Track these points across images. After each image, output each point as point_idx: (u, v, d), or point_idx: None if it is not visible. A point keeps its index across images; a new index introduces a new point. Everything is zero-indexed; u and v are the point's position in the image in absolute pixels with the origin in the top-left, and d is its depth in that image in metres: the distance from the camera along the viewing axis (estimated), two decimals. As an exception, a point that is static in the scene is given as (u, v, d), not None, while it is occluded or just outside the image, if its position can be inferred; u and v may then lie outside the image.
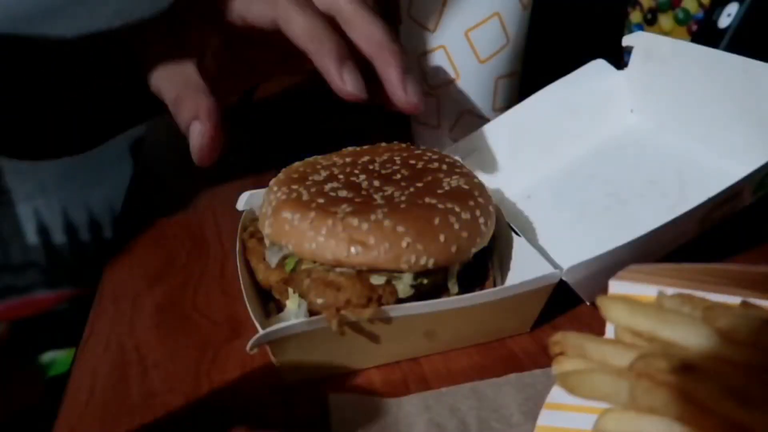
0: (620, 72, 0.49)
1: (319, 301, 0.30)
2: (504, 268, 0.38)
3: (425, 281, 0.32)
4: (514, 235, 0.37)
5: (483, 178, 0.46)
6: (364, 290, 0.30)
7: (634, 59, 0.49)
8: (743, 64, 0.40)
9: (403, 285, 0.31)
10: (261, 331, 0.29)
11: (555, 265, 0.34)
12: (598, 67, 0.50)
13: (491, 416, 0.29)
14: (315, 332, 0.30)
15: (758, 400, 0.18)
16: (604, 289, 0.34)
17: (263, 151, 0.64)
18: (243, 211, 0.40)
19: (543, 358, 0.33)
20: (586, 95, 0.49)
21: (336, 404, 0.30)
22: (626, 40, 0.49)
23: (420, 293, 0.32)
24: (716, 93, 0.42)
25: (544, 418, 0.26)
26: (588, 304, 0.36)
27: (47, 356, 0.67)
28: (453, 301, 0.31)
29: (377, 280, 0.30)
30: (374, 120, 0.76)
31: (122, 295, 0.41)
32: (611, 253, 0.32)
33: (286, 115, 0.77)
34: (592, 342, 0.22)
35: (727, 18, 0.50)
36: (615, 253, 0.32)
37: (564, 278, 0.33)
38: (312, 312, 0.31)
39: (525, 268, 0.35)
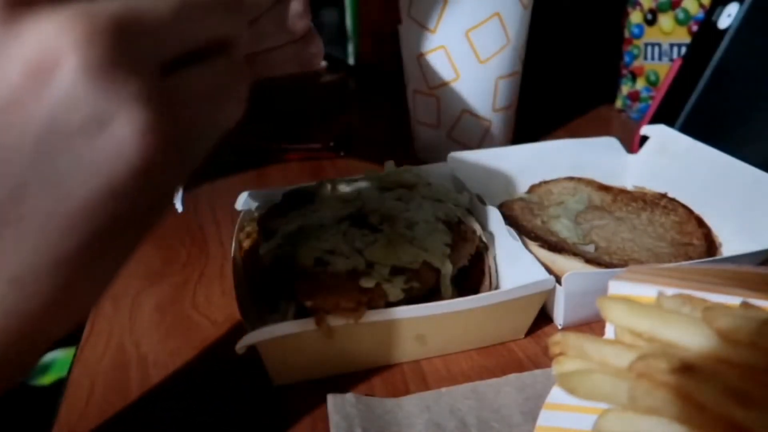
0: (629, 155, 0.51)
1: (308, 303, 0.30)
2: (500, 273, 0.38)
3: (416, 285, 0.32)
4: (511, 239, 0.37)
5: (483, 183, 0.47)
6: (354, 293, 0.30)
7: (647, 148, 0.50)
8: (753, 174, 0.41)
9: (394, 288, 0.31)
10: (249, 332, 0.29)
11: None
12: (611, 143, 0.51)
13: (491, 416, 0.29)
14: (303, 334, 0.30)
15: (758, 400, 0.18)
16: (585, 314, 0.35)
17: (263, 150, 0.64)
18: (241, 211, 0.40)
19: (543, 359, 0.34)
20: (592, 161, 0.50)
21: (335, 404, 0.30)
22: (645, 130, 0.51)
23: (411, 297, 0.32)
24: (717, 195, 0.43)
25: (544, 419, 0.26)
26: (558, 326, 0.36)
27: (47, 356, 0.67)
28: (442, 306, 0.31)
29: (367, 282, 0.30)
30: (376, 121, 0.76)
31: (122, 294, 0.41)
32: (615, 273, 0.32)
33: (288, 114, 0.77)
34: (592, 342, 0.22)
35: (727, 18, 0.50)
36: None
37: (561, 284, 0.33)
38: (302, 314, 0.31)
39: (521, 273, 0.35)
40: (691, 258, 0.38)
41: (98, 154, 0.16)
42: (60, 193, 0.15)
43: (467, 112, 0.55)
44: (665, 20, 0.66)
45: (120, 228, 0.17)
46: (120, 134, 0.16)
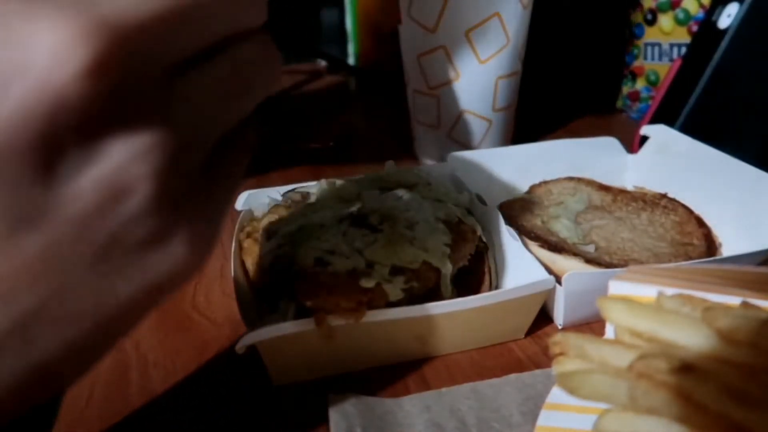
0: (629, 155, 0.51)
1: (308, 303, 0.30)
2: (500, 273, 0.38)
3: (416, 285, 0.32)
4: (511, 239, 0.37)
5: (483, 183, 0.47)
6: (354, 293, 0.30)
7: (647, 148, 0.50)
8: (754, 174, 0.41)
9: (394, 288, 0.31)
10: (249, 332, 0.29)
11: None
12: (611, 143, 0.51)
13: (491, 416, 0.29)
14: (303, 334, 0.30)
15: (758, 400, 0.18)
16: (585, 314, 0.35)
17: (264, 150, 0.64)
18: (241, 211, 0.40)
19: (543, 359, 0.34)
20: (592, 161, 0.50)
21: (335, 404, 0.30)
22: (645, 130, 0.51)
23: (412, 297, 0.32)
24: (717, 195, 0.43)
25: (544, 419, 0.26)
26: (558, 326, 0.36)
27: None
28: (442, 306, 0.31)
29: (367, 283, 0.30)
30: (376, 121, 0.76)
31: (122, 295, 0.41)
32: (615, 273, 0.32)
33: (287, 113, 0.77)
34: (592, 342, 0.22)
35: (727, 18, 0.50)
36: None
37: (561, 284, 0.33)
38: (302, 314, 0.31)
39: (521, 273, 0.35)
40: (691, 258, 0.38)
41: (152, 264, 0.17)
42: (103, 298, 0.16)
43: (467, 112, 0.55)
44: (665, 20, 0.66)
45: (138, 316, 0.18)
46: (176, 251, 0.17)
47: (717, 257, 0.38)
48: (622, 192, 0.47)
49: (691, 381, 0.18)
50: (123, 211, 0.15)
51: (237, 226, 0.38)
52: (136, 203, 0.15)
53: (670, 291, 0.23)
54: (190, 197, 0.17)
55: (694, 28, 0.62)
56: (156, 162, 0.16)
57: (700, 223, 0.43)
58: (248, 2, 0.18)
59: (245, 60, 0.19)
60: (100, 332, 0.17)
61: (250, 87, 0.19)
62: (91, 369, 0.18)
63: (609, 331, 0.26)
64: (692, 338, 0.20)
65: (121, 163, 0.15)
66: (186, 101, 0.17)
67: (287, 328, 0.29)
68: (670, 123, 0.51)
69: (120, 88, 0.15)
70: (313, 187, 0.41)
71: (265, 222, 0.37)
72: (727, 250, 0.40)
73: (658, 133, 0.50)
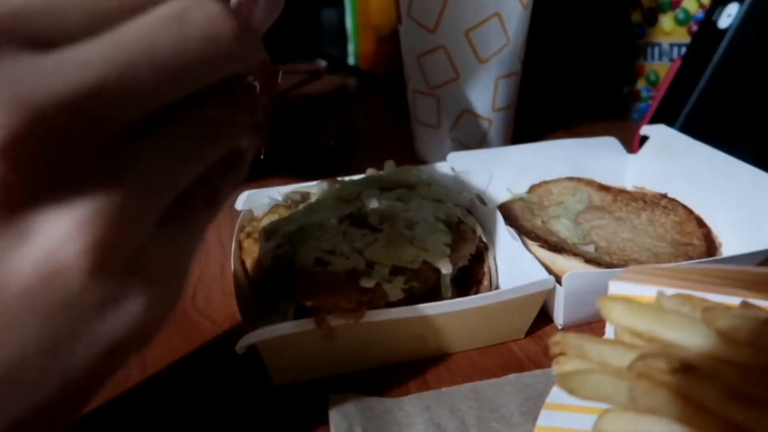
0: (629, 155, 0.51)
1: (308, 303, 0.30)
2: (500, 273, 0.38)
3: (416, 285, 0.32)
4: (511, 239, 0.37)
5: (483, 183, 0.47)
6: (354, 293, 0.30)
7: (647, 148, 0.50)
8: (754, 174, 0.41)
9: (393, 288, 0.31)
10: (249, 332, 0.29)
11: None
12: (611, 143, 0.51)
13: (491, 416, 0.29)
14: (303, 334, 0.30)
15: (758, 401, 0.18)
16: (585, 314, 0.35)
17: (263, 150, 0.64)
18: (241, 211, 0.40)
19: (543, 359, 0.34)
20: (592, 161, 0.50)
21: (335, 404, 0.30)
22: (645, 130, 0.51)
23: (412, 297, 0.32)
24: (717, 195, 0.43)
25: (544, 419, 0.26)
26: (558, 326, 0.36)
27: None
28: (442, 306, 0.31)
29: (367, 282, 0.30)
30: (376, 121, 0.76)
31: (122, 295, 0.41)
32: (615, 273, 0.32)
33: (287, 113, 0.77)
34: (592, 342, 0.22)
35: (727, 18, 0.50)
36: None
37: (561, 284, 0.33)
38: (302, 314, 0.31)
39: (521, 273, 0.35)
40: (691, 258, 0.38)
41: (108, 326, 0.17)
42: (63, 362, 0.16)
43: (467, 111, 0.55)
44: (665, 20, 0.66)
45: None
46: (131, 310, 0.17)
47: (717, 257, 0.38)
48: (622, 192, 0.47)
49: (691, 381, 0.18)
50: (64, 284, 0.15)
51: (237, 226, 0.38)
52: (76, 277, 0.15)
53: (670, 291, 0.23)
54: (142, 255, 0.17)
55: (694, 28, 0.62)
56: (92, 234, 0.15)
57: (700, 223, 0.43)
58: (229, 59, 0.17)
59: (212, 116, 0.18)
60: (66, 394, 0.17)
61: (212, 143, 0.19)
62: (62, 429, 0.18)
63: (609, 331, 0.26)
64: (692, 338, 0.20)
65: (54, 239, 0.15)
66: (135, 164, 0.16)
67: (287, 328, 0.29)
68: (670, 123, 0.51)
69: (43, 164, 0.14)
70: (313, 187, 0.41)
71: (265, 222, 0.37)
72: (727, 250, 0.40)
73: (658, 133, 0.50)
